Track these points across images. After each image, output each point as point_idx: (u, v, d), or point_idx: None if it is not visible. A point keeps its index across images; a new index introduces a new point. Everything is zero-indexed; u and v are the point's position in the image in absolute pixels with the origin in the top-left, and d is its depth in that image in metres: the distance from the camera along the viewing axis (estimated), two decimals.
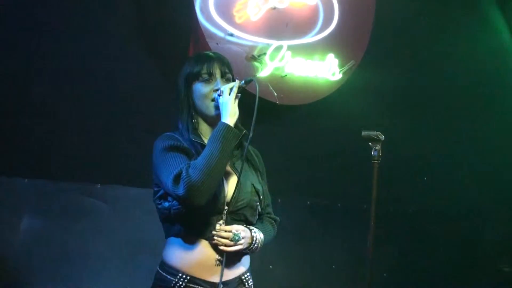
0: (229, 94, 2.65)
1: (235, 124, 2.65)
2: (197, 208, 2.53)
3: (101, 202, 4.29)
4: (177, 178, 2.50)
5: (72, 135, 4.22)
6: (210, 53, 2.89)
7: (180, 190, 2.47)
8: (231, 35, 4.64)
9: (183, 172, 2.50)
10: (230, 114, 2.63)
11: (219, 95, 2.68)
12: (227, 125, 2.61)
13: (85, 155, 4.24)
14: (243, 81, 2.72)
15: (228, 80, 2.79)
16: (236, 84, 2.69)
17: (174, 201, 2.61)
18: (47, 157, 4.13)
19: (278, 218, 3.02)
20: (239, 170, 2.72)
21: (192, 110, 2.78)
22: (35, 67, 4.13)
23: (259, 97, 2.66)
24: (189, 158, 2.61)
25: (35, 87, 4.14)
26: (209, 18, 4.56)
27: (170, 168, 2.55)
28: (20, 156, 4.06)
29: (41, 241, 4.10)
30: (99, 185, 4.31)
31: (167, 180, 2.53)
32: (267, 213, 2.96)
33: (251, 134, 2.66)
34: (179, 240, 2.69)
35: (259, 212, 2.85)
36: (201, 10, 4.53)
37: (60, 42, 4.19)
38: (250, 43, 4.73)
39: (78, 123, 4.25)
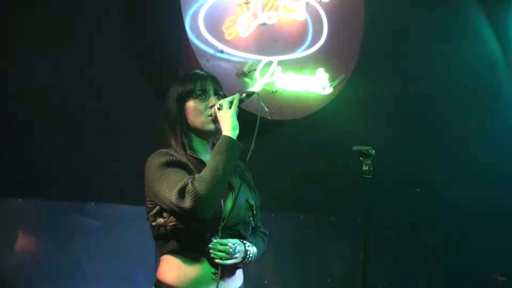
0: (229, 108, 2.68)
1: (237, 138, 2.67)
2: (201, 221, 2.56)
3: (95, 220, 4.29)
4: (181, 192, 2.51)
5: (65, 153, 4.22)
6: (201, 72, 2.92)
7: (187, 203, 2.48)
8: (221, 51, 4.66)
9: (189, 185, 2.51)
10: (232, 128, 2.65)
11: (219, 109, 2.70)
12: (231, 138, 2.63)
13: (78, 174, 4.23)
14: (245, 94, 2.76)
15: (220, 97, 2.82)
16: (236, 97, 2.72)
17: (171, 217, 2.62)
18: (41, 177, 4.12)
19: (267, 232, 3.04)
20: (233, 185, 2.75)
21: (185, 127, 2.79)
22: (25, 85, 4.14)
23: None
24: (188, 174, 2.62)
25: (25, 105, 4.14)
26: (199, 36, 4.58)
27: (172, 183, 2.56)
28: (13, 176, 4.06)
29: (35, 261, 4.09)
30: (93, 203, 4.31)
31: (170, 195, 2.53)
32: (258, 227, 2.97)
33: (252, 146, 2.67)
34: (174, 257, 2.69)
35: (252, 227, 2.87)
36: (191, 27, 4.55)
37: (50, 60, 4.21)
38: (240, 60, 4.75)
39: (71, 141, 4.25)
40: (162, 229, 2.66)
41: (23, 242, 4.10)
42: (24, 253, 4.08)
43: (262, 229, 3.01)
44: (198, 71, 2.94)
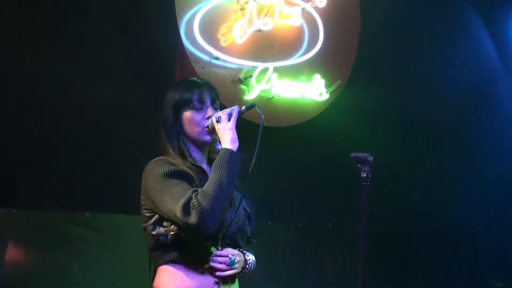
0: (229, 120, 2.66)
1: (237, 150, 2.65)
2: (207, 235, 2.53)
3: (90, 230, 4.26)
4: (186, 207, 2.46)
5: (60, 163, 4.20)
6: (199, 80, 2.88)
7: (192, 219, 2.44)
8: (217, 58, 4.64)
9: (193, 199, 2.47)
10: (232, 140, 2.64)
11: (217, 121, 2.68)
12: (232, 151, 2.61)
13: (73, 184, 4.21)
14: (244, 107, 2.74)
15: (217, 107, 2.79)
16: (235, 109, 2.70)
17: (172, 225, 2.57)
18: (35, 186, 4.10)
19: (255, 241, 3.00)
20: (233, 195, 2.72)
21: (182, 136, 2.75)
22: (18, 96, 4.12)
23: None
24: (190, 183, 2.59)
25: (20, 117, 4.12)
26: (194, 42, 4.57)
27: (175, 196, 2.52)
28: (7, 186, 4.03)
29: (30, 272, 4.06)
30: (88, 213, 4.28)
31: (174, 208, 2.48)
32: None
33: (254, 159, 2.65)
34: (173, 267, 2.64)
35: (247, 236, 2.84)
36: (186, 34, 4.54)
37: (44, 68, 4.19)
38: (236, 66, 4.74)
39: (65, 151, 4.23)
40: (162, 238, 2.62)
41: (17, 252, 4.07)
42: (19, 263, 4.05)
43: (251, 238, 2.97)
44: (195, 78, 2.91)
